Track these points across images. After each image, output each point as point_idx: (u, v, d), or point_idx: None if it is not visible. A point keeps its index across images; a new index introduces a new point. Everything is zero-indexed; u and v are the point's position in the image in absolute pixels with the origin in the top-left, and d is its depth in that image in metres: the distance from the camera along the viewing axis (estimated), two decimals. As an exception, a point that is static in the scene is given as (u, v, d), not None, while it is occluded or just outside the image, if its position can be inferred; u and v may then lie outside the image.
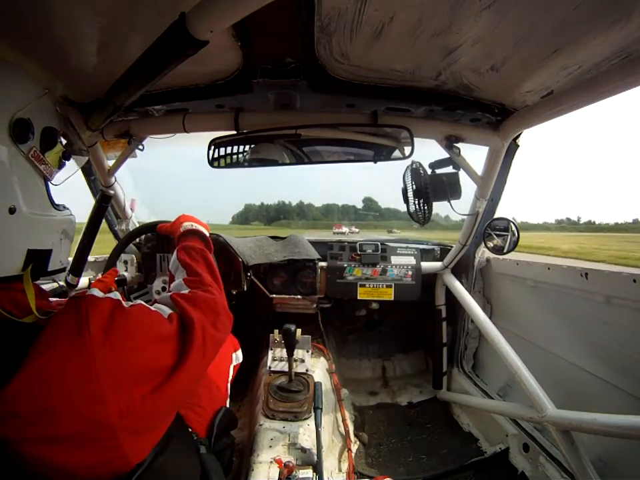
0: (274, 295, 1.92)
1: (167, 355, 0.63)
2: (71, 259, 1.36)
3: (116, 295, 0.64)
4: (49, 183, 0.70)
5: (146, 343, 0.60)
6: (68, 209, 0.77)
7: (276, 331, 1.61)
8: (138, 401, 0.57)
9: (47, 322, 0.57)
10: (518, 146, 1.42)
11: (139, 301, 0.68)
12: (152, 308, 0.68)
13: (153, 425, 0.63)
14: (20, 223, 0.61)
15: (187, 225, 1.04)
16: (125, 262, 1.66)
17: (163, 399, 0.61)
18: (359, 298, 1.90)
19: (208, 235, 1.05)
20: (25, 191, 0.62)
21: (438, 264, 1.98)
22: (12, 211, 0.59)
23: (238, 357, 1.44)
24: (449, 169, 1.40)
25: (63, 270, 0.76)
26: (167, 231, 1.14)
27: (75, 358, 0.53)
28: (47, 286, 1.36)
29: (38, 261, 0.65)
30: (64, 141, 0.76)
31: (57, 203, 0.73)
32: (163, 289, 1.40)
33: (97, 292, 0.62)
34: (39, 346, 0.53)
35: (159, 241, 1.72)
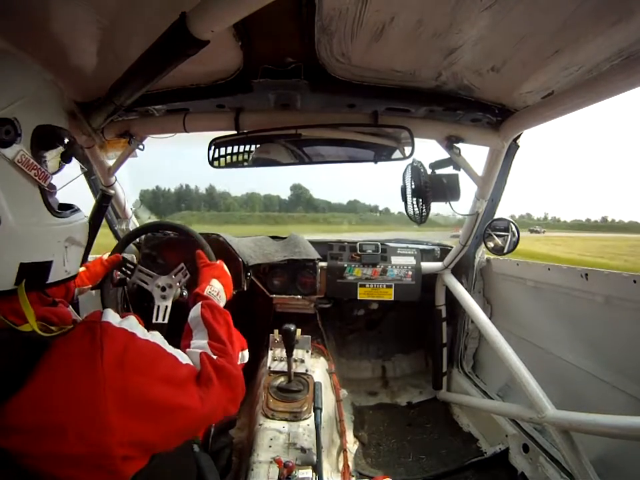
0: (274, 295, 1.92)
1: (180, 399, 0.62)
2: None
3: (131, 325, 0.62)
4: (45, 189, 0.62)
5: (157, 380, 0.60)
6: (77, 211, 0.70)
7: (276, 331, 1.61)
8: (147, 436, 0.58)
9: (55, 339, 0.56)
10: (518, 146, 1.42)
11: (156, 338, 0.66)
12: (168, 350, 0.66)
13: (155, 450, 0.63)
14: (6, 235, 0.55)
15: (215, 287, 1.01)
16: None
17: (168, 436, 0.62)
18: (359, 298, 1.90)
19: (225, 301, 1.03)
20: (11, 201, 0.55)
21: (438, 264, 1.98)
22: None
23: (244, 356, 1.43)
24: (449, 169, 1.40)
25: (70, 279, 0.70)
26: (199, 264, 1.13)
27: (85, 383, 0.53)
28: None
29: (34, 274, 0.60)
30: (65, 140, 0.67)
31: (58, 209, 0.65)
32: (163, 288, 1.39)
33: (112, 319, 0.60)
34: (49, 364, 0.53)
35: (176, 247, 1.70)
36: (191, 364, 0.69)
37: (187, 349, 0.74)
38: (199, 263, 1.13)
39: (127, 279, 1.46)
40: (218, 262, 1.16)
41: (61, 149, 0.67)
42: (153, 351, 0.62)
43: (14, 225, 0.56)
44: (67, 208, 0.69)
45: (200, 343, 0.78)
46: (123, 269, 1.39)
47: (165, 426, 0.60)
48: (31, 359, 0.53)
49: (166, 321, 1.34)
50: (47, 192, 0.62)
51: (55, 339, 0.56)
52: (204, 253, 1.20)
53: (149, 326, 1.33)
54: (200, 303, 0.87)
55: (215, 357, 0.73)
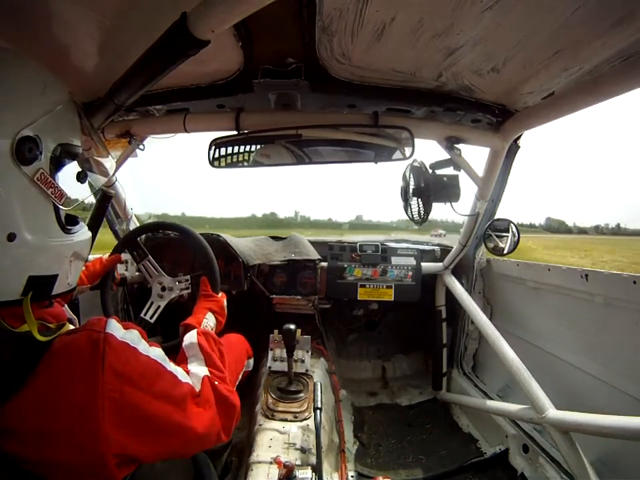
0: (274, 295, 1.92)
1: (176, 417, 0.62)
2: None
3: (133, 339, 0.62)
4: (59, 206, 0.63)
5: (155, 396, 0.60)
6: (82, 226, 0.70)
7: (276, 331, 1.61)
8: (138, 452, 0.58)
9: (55, 339, 0.56)
10: (519, 147, 1.42)
11: (157, 354, 0.66)
12: (168, 367, 0.66)
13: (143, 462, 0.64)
14: (20, 250, 0.56)
15: (209, 323, 1.01)
16: (125, 262, 1.66)
17: (159, 453, 0.63)
18: (359, 298, 1.90)
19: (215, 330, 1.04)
20: (27, 217, 0.56)
21: (438, 265, 1.98)
22: (11, 237, 0.54)
23: (249, 364, 1.44)
24: (450, 170, 1.40)
25: (72, 291, 0.71)
26: (200, 291, 1.13)
27: (84, 393, 0.53)
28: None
29: (40, 287, 0.61)
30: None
31: (69, 225, 0.66)
32: (163, 288, 1.39)
33: (116, 331, 0.60)
34: (49, 369, 0.53)
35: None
36: (191, 383, 0.68)
37: (191, 370, 0.74)
38: (201, 289, 1.14)
39: (127, 278, 1.46)
40: (220, 296, 1.16)
41: (76, 166, 0.68)
42: (152, 367, 0.63)
43: (28, 240, 0.56)
44: (72, 220, 0.69)
45: (200, 369, 0.77)
46: (134, 253, 1.41)
47: (158, 442, 0.61)
48: (31, 359, 0.53)
49: (152, 320, 1.35)
50: (59, 209, 0.63)
51: (54, 340, 0.56)
52: (209, 281, 1.19)
53: (136, 319, 1.33)
54: (196, 330, 0.87)
55: (216, 383, 0.73)
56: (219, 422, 0.70)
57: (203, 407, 0.67)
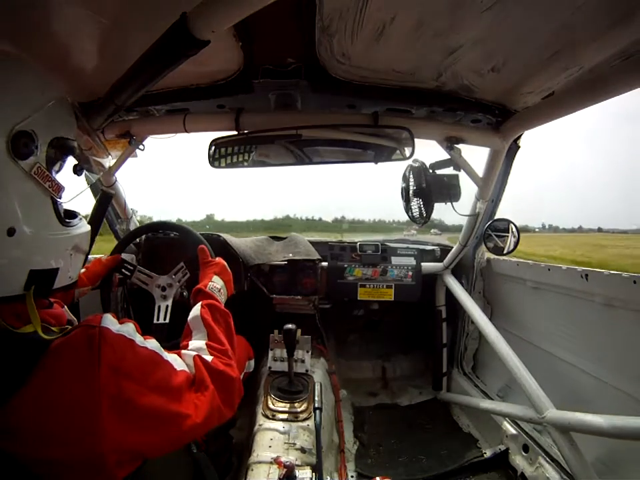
0: (274, 295, 1.92)
1: (174, 408, 0.62)
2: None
3: (129, 332, 0.62)
4: (56, 199, 0.64)
5: (151, 389, 0.60)
6: (81, 219, 0.71)
7: (276, 331, 1.61)
8: (139, 445, 0.58)
9: (54, 343, 0.56)
10: (519, 147, 1.42)
11: (153, 344, 0.66)
12: (164, 356, 0.66)
13: (147, 457, 0.64)
14: (20, 244, 0.56)
15: (217, 284, 1.00)
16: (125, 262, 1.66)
17: (161, 445, 0.63)
18: (359, 298, 1.90)
19: (227, 297, 1.02)
20: (26, 211, 0.57)
21: (438, 265, 1.98)
22: (10, 232, 0.55)
23: (250, 365, 1.43)
24: (450, 170, 1.40)
25: (73, 285, 0.71)
26: (200, 260, 1.11)
27: (82, 390, 0.53)
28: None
29: (42, 281, 0.61)
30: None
31: (67, 219, 0.67)
32: (163, 288, 1.39)
33: (111, 325, 0.60)
34: (47, 368, 0.53)
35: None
36: (186, 369, 0.68)
37: (182, 351, 0.73)
38: (200, 259, 1.12)
39: (127, 279, 1.46)
40: (218, 259, 1.15)
41: (71, 160, 0.69)
42: (149, 359, 0.63)
43: (27, 234, 0.57)
44: (71, 215, 0.70)
45: (197, 343, 0.77)
46: (123, 270, 1.39)
47: (158, 435, 0.61)
48: (31, 360, 0.53)
49: (167, 320, 1.34)
50: (57, 202, 0.64)
51: (54, 341, 0.56)
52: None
53: (151, 326, 1.33)
54: (200, 303, 0.87)
55: (210, 359, 0.73)
56: (218, 398, 0.69)
57: (200, 390, 0.67)
